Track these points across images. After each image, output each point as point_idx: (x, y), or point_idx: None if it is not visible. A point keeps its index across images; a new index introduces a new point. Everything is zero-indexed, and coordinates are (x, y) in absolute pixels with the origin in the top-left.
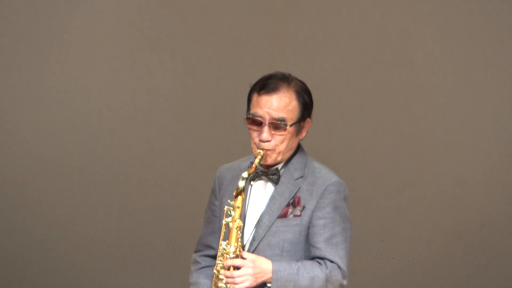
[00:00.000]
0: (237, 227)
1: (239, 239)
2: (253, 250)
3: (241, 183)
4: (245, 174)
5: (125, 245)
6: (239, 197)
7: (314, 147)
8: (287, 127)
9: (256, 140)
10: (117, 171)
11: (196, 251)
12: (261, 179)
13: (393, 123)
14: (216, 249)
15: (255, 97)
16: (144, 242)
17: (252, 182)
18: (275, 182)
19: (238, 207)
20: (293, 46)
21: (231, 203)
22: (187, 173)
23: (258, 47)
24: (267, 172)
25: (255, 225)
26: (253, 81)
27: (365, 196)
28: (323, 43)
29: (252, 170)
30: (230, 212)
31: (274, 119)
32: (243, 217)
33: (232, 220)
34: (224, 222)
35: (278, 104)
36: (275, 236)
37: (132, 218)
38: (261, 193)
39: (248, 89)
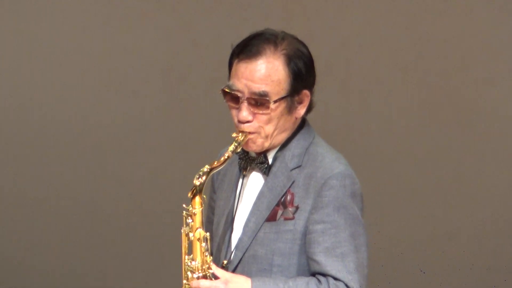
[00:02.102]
0: (199, 238)
1: (206, 253)
2: (237, 263)
3: (197, 182)
4: (205, 168)
5: (104, 232)
6: (197, 200)
7: (339, 125)
8: (271, 104)
9: (235, 120)
10: (91, 150)
11: None
12: (254, 170)
13: (447, 92)
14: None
15: (235, 63)
16: (127, 240)
17: (244, 173)
18: (266, 173)
19: (194, 214)
20: None
21: (187, 208)
22: (176, 154)
23: None
24: (256, 159)
25: (242, 231)
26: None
27: (410, 188)
28: None
29: (219, 163)
30: (188, 219)
31: (254, 93)
32: (229, 219)
33: (191, 230)
34: (182, 231)
35: (259, 73)
36: (263, 246)
37: (108, 208)
38: (253, 188)
39: None
